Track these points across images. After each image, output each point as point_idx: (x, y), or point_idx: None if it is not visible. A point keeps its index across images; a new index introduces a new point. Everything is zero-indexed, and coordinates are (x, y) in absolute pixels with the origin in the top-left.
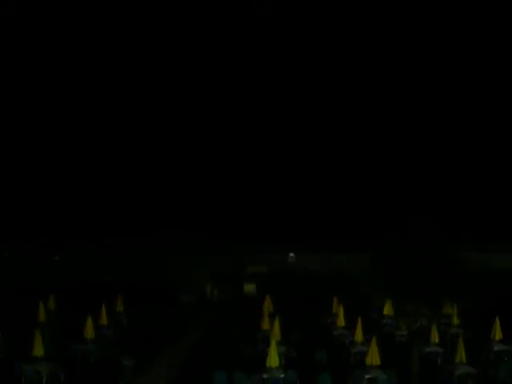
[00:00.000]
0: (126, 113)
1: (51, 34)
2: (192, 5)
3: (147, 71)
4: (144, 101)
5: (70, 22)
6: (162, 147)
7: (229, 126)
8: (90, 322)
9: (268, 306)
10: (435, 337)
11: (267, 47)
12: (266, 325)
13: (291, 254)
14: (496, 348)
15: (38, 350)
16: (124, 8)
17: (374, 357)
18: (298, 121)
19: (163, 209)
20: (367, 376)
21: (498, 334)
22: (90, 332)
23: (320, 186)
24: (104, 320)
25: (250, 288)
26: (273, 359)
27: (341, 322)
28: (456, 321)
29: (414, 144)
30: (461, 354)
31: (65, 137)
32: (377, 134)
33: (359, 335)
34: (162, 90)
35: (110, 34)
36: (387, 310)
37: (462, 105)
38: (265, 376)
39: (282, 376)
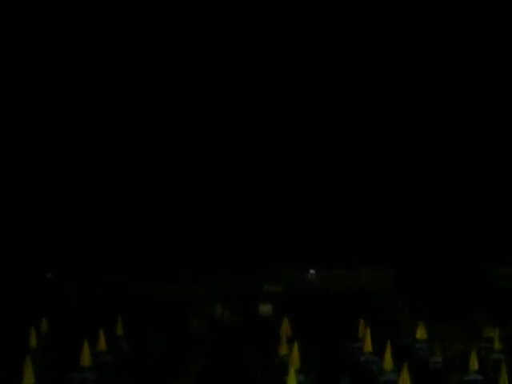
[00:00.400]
0: (126, 120)
1: (51, 33)
2: (192, 4)
3: (147, 72)
4: (144, 102)
5: (70, 22)
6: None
7: (244, 133)
8: (86, 348)
9: (286, 328)
10: (474, 363)
11: (267, 47)
12: (283, 350)
13: (311, 271)
14: None
15: (29, 379)
16: (124, 8)
17: None
18: (310, 128)
19: (168, 217)
20: None
21: None
22: (86, 359)
23: (343, 195)
24: (102, 345)
25: (265, 309)
26: None
27: (368, 346)
28: (498, 345)
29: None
30: (504, 383)
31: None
32: (401, 145)
33: (388, 362)
34: (161, 91)
35: (110, 33)
36: (420, 333)
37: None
38: None
39: None
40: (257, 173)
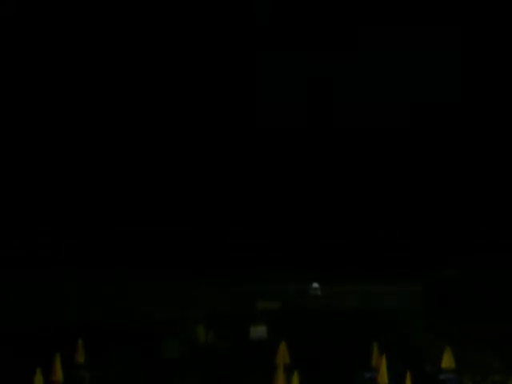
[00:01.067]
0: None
1: (51, 34)
2: (192, 4)
3: (147, 72)
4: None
5: (70, 22)
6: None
7: (239, 135)
8: (39, 378)
9: (283, 355)
10: None
11: (267, 47)
12: (280, 381)
13: (315, 285)
14: None
15: None
16: (124, 8)
17: None
18: (308, 129)
19: (145, 220)
20: None
21: None
22: None
23: (354, 194)
24: (58, 375)
25: (259, 331)
26: None
27: (383, 377)
28: None
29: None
30: None
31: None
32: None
33: None
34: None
35: (110, 33)
36: (446, 361)
37: None
38: None
39: None
40: (248, 171)
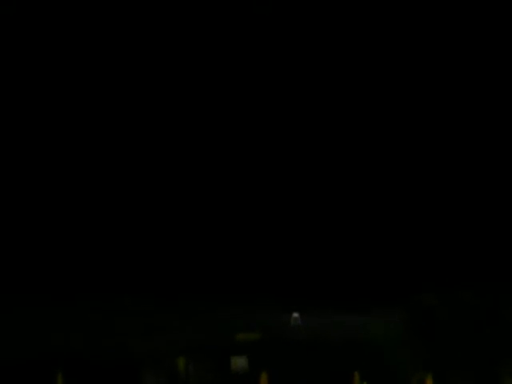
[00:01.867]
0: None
1: (51, 34)
2: (191, 4)
3: (146, 72)
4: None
5: (70, 22)
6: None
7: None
8: None
9: None
10: None
11: (267, 47)
12: None
13: (295, 315)
14: None
15: None
16: (124, 7)
17: None
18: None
19: (116, 250)
20: None
21: None
22: None
23: (336, 220)
24: None
25: (239, 362)
26: None
27: None
28: None
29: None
30: None
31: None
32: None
33: None
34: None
35: (110, 33)
36: None
37: None
38: None
39: None
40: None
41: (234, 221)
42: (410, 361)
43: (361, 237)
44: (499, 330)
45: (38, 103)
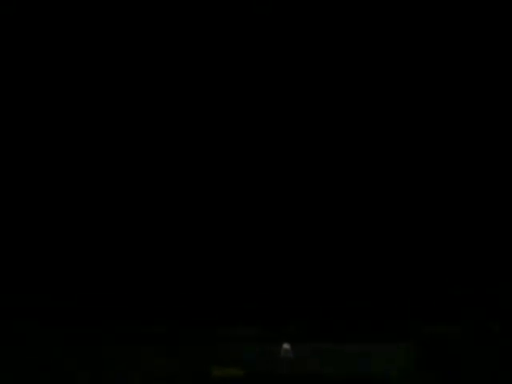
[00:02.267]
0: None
1: (51, 34)
2: (191, 4)
3: (146, 72)
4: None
5: (70, 22)
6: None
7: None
8: None
9: None
10: None
11: (267, 47)
12: None
13: (286, 346)
14: None
15: None
16: (124, 7)
17: None
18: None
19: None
20: None
21: None
22: None
23: (332, 232)
24: None
25: None
26: None
27: None
28: None
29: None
30: None
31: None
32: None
33: None
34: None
35: (110, 33)
36: None
37: None
38: None
39: None
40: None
41: (212, 239)
42: None
43: (363, 251)
44: None
45: (38, 103)
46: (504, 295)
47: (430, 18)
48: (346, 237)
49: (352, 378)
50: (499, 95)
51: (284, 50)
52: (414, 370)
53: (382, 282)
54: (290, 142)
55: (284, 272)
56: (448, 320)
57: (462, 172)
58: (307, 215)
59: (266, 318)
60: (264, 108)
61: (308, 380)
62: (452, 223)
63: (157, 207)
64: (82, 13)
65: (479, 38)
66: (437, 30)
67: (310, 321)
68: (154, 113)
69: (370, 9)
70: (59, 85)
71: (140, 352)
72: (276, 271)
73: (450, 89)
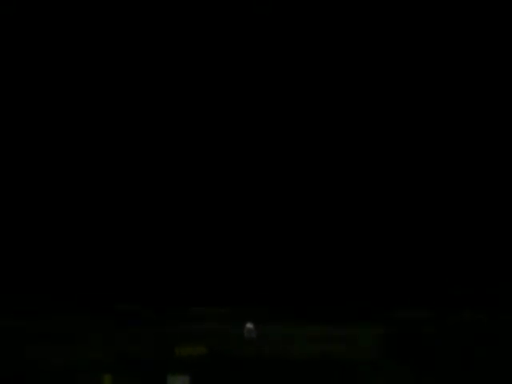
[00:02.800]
0: None
1: (51, 34)
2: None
3: (146, 72)
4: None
5: (70, 22)
6: None
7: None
8: None
9: None
10: None
11: (267, 47)
12: None
13: (249, 326)
14: None
15: None
16: (124, 7)
17: None
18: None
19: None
20: None
21: None
22: None
23: (306, 214)
24: None
25: (179, 383)
26: None
27: None
28: None
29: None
30: None
31: None
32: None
33: None
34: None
35: (110, 33)
36: None
37: None
38: None
39: None
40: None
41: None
42: None
43: (338, 235)
44: (498, 352)
45: (38, 103)
46: (477, 283)
47: (429, 18)
48: (322, 219)
49: (320, 361)
50: (498, 95)
51: (284, 49)
52: (384, 355)
53: (353, 268)
54: (288, 133)
55: (255, 253)
56: (419, 305)
57: (462, 172)
58: (285, 197)
59: (230, 299)
60: (264, 107)
61: (273, 361)
62: (426, 211)
63: (126, 187)
64: (81, 13)
65: (479, 38)
66: (437, 31)
67: (277, 303)
68: (154, 112)
69: (370, 9)
70: (59, 85)
71: (104, 329)
72: (245, 253)
73: (450, 89)
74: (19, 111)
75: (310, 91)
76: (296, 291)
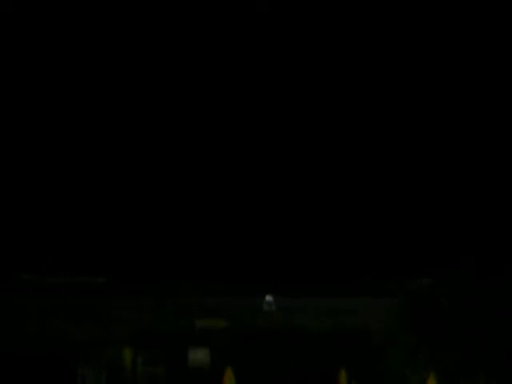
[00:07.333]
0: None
1: (51, 33)
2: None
3: (146, 72)
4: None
5: (70, 22)
6: None
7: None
8: None
9: None
10: None
11: (267, 47)
12: None
13: (268, 299)
14: None
15: None
16: (124, 7)
17: None
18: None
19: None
20: None
21: None
22: None
23: (318, 192)
24: None
25: (199, 356)
26: None
27: None
28: None
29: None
30: None
31: None
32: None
33: None
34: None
35: (110, 33)
36: None
37: None
38: None
39: None
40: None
41: (194, 199)
42: (409, 357)
43: (350, 211)
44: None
45: (38, 102)
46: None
47: (429, 18)
48: (331, 189)
49: (338, 333)
50: (498, 95)
51: (284, 49)
52: (403, 326)
53: (365, 239)
54: (288, 134)
55: (270, 226)
56: (432, 275)
57: (462, 172)
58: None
59: (250, 273)
60: (263, 106)
61: (291, 334)
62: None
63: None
64: (82, 13)
65: (479, 38)
66: (437, 31)
67: (295, 271)
68: (154, 112)
69: (370, 9)
70: (59, 84)
71: (124, 304)
72: (261, 226)
73: (450, 89)
74: (19, 111)
75: (310, 91)
76: (313, 266)
